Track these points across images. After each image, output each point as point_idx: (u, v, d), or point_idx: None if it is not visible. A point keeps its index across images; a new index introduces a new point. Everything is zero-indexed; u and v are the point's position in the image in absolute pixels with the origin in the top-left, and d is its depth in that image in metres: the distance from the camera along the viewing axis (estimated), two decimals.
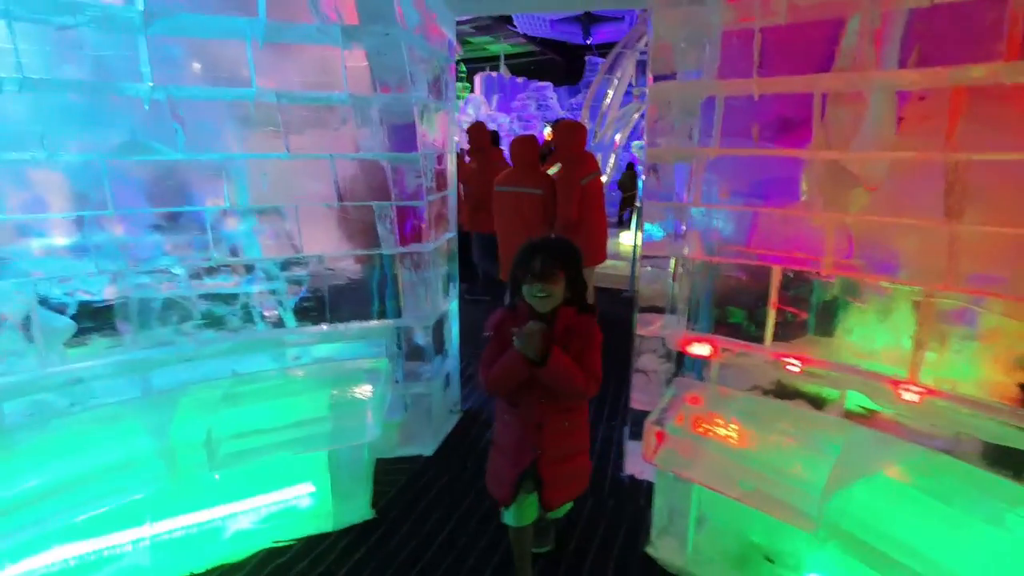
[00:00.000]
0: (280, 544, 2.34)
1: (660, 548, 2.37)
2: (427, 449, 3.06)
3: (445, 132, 3.05)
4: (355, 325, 2.81)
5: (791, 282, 2.24)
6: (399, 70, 2.52)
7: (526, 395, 1.81)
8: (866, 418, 2.11)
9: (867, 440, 2.03)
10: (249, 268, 2.62)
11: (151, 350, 2.38)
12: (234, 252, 2.54)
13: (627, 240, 7.89)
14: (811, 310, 2.25)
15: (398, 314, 2.89)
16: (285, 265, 2.67)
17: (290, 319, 2.71)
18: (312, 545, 2.35)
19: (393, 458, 2.96)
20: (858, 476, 1.87)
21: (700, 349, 2.51)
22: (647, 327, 2.68)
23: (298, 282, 2.72)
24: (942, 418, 1.90)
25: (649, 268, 2.64)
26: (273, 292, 2.68)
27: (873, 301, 2.08)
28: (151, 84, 2.13)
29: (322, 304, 2.75)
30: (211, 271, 2.53)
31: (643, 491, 2.71)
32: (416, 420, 3.08)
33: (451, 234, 3.27)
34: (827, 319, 2.21)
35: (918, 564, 1.62)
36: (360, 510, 2.53)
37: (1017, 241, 1.67)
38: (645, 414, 2.34)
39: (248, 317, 2.63)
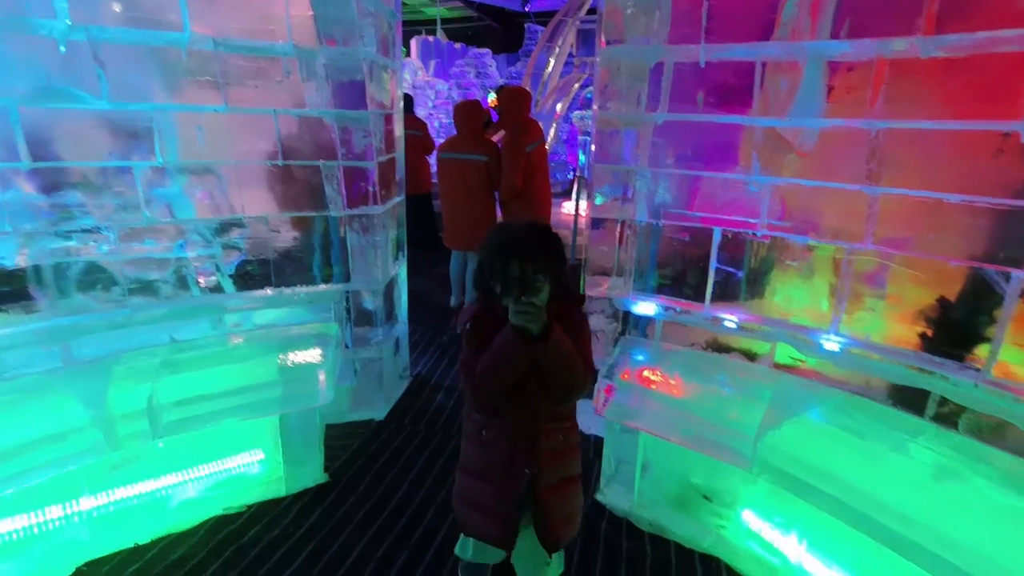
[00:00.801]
0: (231, 511, 2.30)
1: (608, 495, 2.52)
2: (379, 413, 3.06)
3: (394, 92, 2.97)
4: (301, 290, 2.73)
5: (729, 243, 2.39)
6: (347, 23, 2.42)
7: (515, 401, 1.44)
8: (793, 368, 2.31)
9: (794, 387, 2.23)
10: (182, 231, 2.48)
11: (72, 317, 2.22)
12: (165, 213, 2.39)
13: (569, 209, 8.02)
14: (746, 270, 2.41)
15: (346, 278, 2.84)
16: (223, 228, 2.54)
17: (228, 284, 2.59)
18: (265, 510, 2.32)
19: (344, 423, 2.95)
20: (786, 418, 2.06)
21: (645, 309, 2.64)
22: (595, 288, 2.78)
23: (236, 246, 2.60)
24: (857, 364, 2.12)
25: (597, 231, 2.72)
26: (211, 256, 2.55)
27: (801, 261, 2.26)
28: (68, 22, 1.94)
29: (266, 268, 2.65)
30: (140, 233, 2.37)
31: (592, 445, 2.85)
32: (367, 385, 3.06)
33: (400, 197, 3.22)
34: (760, 278, 2.38)
35: (837, 490, 1.83)
36: (313, 474, 2.52)
37: (924, 205, 1.86)
38: (594, 373, 2.45)
39: (183, 283, 2.50)
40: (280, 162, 2.50)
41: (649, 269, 2.65)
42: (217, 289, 2.57)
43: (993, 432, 1.79)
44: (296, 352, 2.48)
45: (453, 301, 4.90)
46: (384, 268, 2.96)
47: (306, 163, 2.57)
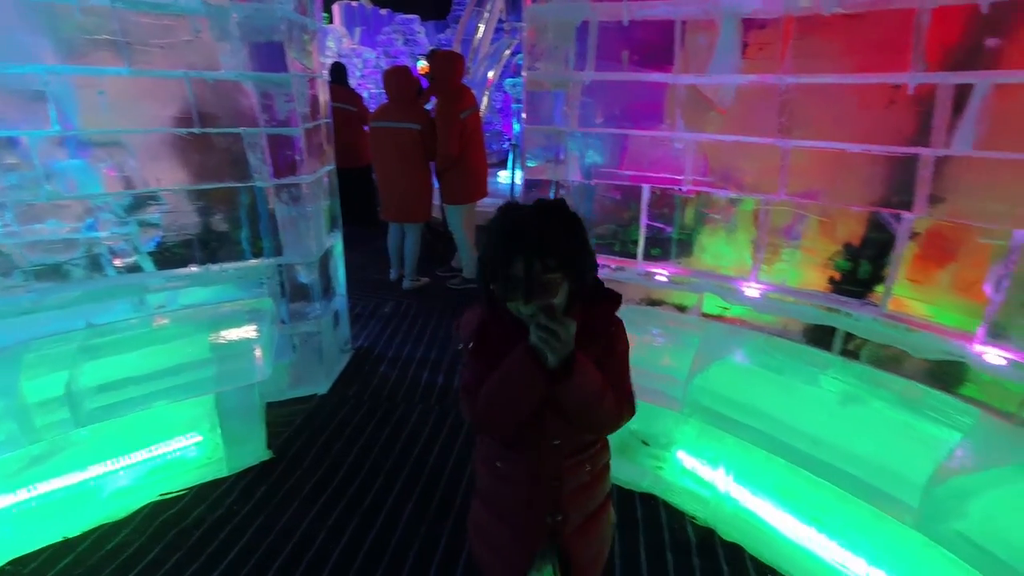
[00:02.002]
0: (169, 495, 2.22)
1: None
2: (321, 387, 3.02)
3: (316, 55, 2.84)
4: (230, 265, 2.62)
5: (658, 200, 2.48)
6: None
7: (532, 431, 1.17)
8: (720, 316, 2.45)
9: (720, 333, 2.38)
10: (90, 208, 2.31)
11: None
12: (70, 189, 2.21)
13: (506, 178, 8.02)
14: (675, 226, 2.52)
15: (278, 252, 2.74)
16: (137, 203, 2.39)
17: (148, 263, 2.45)
18: (206, 491, 2.26)
19: (286, 400, 2.89)
20: (712, 361, 2.20)
21: None
22: None
23: (154, 223, 2.45)
24: (774, 308, 2.28)
25: (531, 194, 2.75)
26: (126, 235, 2.39)
27: (723, 215, 2.38)
28: None
29: (189, 245, 2.52)
30: (41, 212, 2.19)
31: None
32: (307, 360, 3.00)
33: (331, 166, 3.12)
34: (688, 233, 2.50)
35: (758, 422, 1.99)
36: (256, 452, 2.47)
37: (829, 156, 2.01)
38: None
39: (96, 264, 2.34)
40: (196, 130, 2.36)
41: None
42: (136, 269, 2.43)
43: (890, 360, 1.99)
44: (228, 329, 2.39)
45: (392, 275, 4.84)
46: (318, 240, 2.88)
47: (225, 131, 2.43)
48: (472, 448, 2.56)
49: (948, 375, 1.84)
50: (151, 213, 2.43)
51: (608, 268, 2.66)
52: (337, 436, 2.65)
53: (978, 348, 1.76)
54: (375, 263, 5.07)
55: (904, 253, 1.90)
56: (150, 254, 2.45)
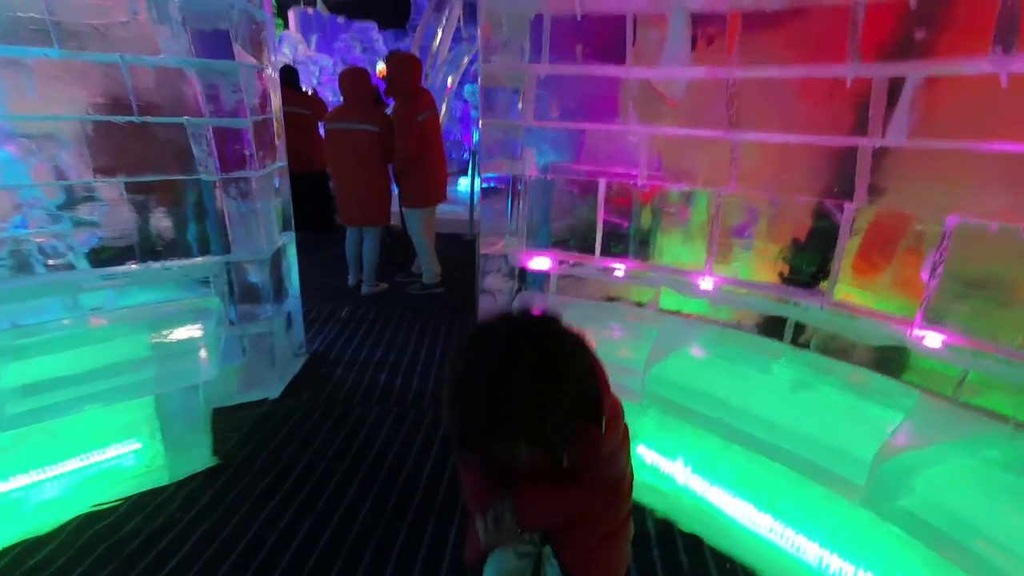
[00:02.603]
0: (102, 506, 2.07)
1: None
2: (273, 392, 2.90)
3: (266, 48, 2.76)
4: (175, 263, 2.50)
5: (614, 195, 2.51)
6: None
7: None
8: (676, 312, 2.48)
9: (677, 325, 2.41)
10: (18, 204, 2.16)
11: None
12: None
13: (465, 186, 8.00)
14: (631, 221, 2.55)
15: (226, 250, 2.63)
16: (72, 198, 2.25)
17: (83, 262, 2.31)
18: (145, 500, 2.12)
19: (234, 405, 2.75)
20: (669, 352, 2.22)
21: (540, 263, 2.72)
22: (491, 247, 2.80)
23: (90, 222, 2.31)
24: (728, 301, 2.33)
25: (489, 189, 2.74)
26: (60, 233, 2.25)
27: (678, 209, 2.43)
28: None
29: (129, 240, 2.39)
30: None
31: None
32: (257, 364, 2.88)
33: (282, 163, 3.02)
34: (644, 228, 2.53)
35: (714, 409, 2.01)
36: (200, 459, 2.34)
37: (776, 148, 2.07)
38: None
39: (24, 265, 2.18)
40: (135, 118, 2.24)
41: (541, 225, 2.72)
42: (69, 267, 2.28)
43: (837, 348, 2.05)
44: (171, 329, 2.27)
45: (351, 280, 4.73)
46: (269, 238, 2.78)
47: (166, 120, 2.32)
48: (432, 447, 2.52)
49: (891, 360, 1.91)
50: (86, 210, 2.29)
51: (566, 264, 2.66)
52: (289, 440, 2.54)
53: (917, 333, 1.82)
54: (333, 270, 4.94)
55: (848, 244, 1.96)
56: (85, 254, 2.31)
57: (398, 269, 5.05)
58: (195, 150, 2.42)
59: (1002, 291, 1.62)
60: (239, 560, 1.86)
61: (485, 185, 2.70)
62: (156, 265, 2.45)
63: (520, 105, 2.47)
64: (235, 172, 2.55)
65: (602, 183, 2.47)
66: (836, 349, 2.06)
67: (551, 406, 0.94)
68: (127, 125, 2.24)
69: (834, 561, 1.85)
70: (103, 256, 2.35)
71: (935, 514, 1.52)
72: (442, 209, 4.79)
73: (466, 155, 10.11)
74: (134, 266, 2.41)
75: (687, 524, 2.12)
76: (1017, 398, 1.61)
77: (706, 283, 2.40)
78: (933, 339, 1.78)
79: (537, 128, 2.49)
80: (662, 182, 2.39)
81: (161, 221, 2.46)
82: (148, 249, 2.43)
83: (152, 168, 2.36)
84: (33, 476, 2.02)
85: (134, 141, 2.29)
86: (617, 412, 1.21)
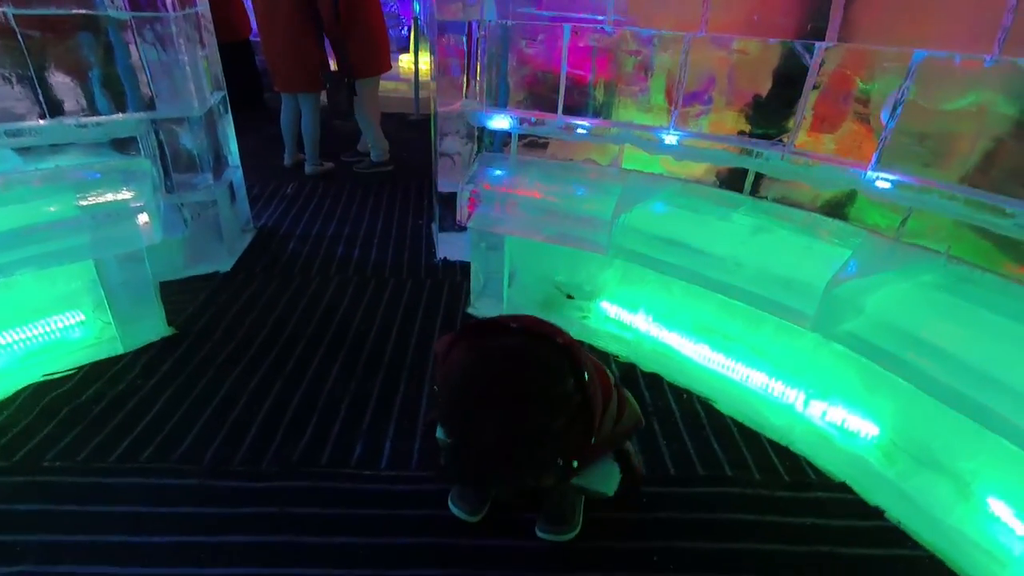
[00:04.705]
0: (55, 375, 1.98)
1: (479, 308, 2.62)
2: (224, 265, 2.76)
3: None
4: (89, 120, 2.20)
5: (578, 43, 2.36)
6: None
7: None
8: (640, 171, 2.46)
9: (641, 181, 2.40)
10: None
11: None
12: None
13: (409, 62, 7.40)
14: (594, 73, 2.43)
15: (151, 106, 2.34)
16: None
17: None
18: (101, 369, 2.04)
19: (183, 279, 2.62)
20: (634, 204, 2.24)
21: (500, 123, 2.59)
22: (448, 106, 2.64)
23: None
24: (691, 155, 2.32)
25: (443, 38, 2.52)
26: None
27: (644, 57, 2.32)
28: None
29: (26, 91, 2.06)
30: None
31: (458, 269, 2.89)
32: (203, 237, 2.71)
33: (204, 7, 2.64)
34: (608, 81, 2.43)
35: (679, 256, 2.07)
36: (155, 329, 2.24)
37: None
38: (453, 197, 2.40)
39: None
40: None
41: (501, 80, 2.56)
42: None
43: (793, 198, 2.12)
44: (101, 191, 2.05)
45: (287, 160, 4.41)
46: (199, 94, 2.48)
47: None
48: (398, 311, 2.51)
49: (843, 206, 1.99)
50: None
51: (527, 122, 2.55)
52: (248, 309, 2.46)
53: (870, 175, 1.89)
54: (269, 150, 4.57)
55: (812, 91, 1.95)
56: None
57: (343, 146, 4.74)
58: None
59: (959, 126, 1.68)
60: (213, 419, 1.85)
61: (440, 35, 2.47)
62: (69, 122, 2.16)
63: None
64: (148, 11, 2.21)
65: (567, 28, 2.31)
66: (793, 200, 2.13)
67: (551, 441, 1.10)
68: None
69: (778, 386, 2.05)
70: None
71: (877, 332, 1.67)
72: (385, 86, 4.42)
73: (405, 30, 9.25)
74: (42, 122, 2.11)
75: (648, 365, 2.26)
76: (953, 231, 1.73)
77: (671, 138, 2.37)
78: (884, 181, 1.86)
79: None
80: (630, 26, 2.25)
81: (62, 68, 2.12)
82: (54, 103, 2.12)
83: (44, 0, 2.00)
84: None
85: None
86: (610, 400, 1.30)
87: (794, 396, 2.01)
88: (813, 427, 1.94)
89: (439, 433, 1.34)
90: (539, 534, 1.49)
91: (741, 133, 2.24)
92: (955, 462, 1.65)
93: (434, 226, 3.27)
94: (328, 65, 4.00)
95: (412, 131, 5.50)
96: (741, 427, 1.96)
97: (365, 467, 1.69)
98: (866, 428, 1.85)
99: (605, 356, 2.32)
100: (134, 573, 1.35)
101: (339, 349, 2.24)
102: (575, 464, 1.18)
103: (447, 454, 1.22)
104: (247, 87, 5.59)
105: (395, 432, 1.83)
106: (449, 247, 3.03)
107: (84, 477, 1.60)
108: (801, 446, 1.89)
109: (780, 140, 2.12)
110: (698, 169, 2.34)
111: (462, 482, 1.29)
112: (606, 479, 1.35)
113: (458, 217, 2.39)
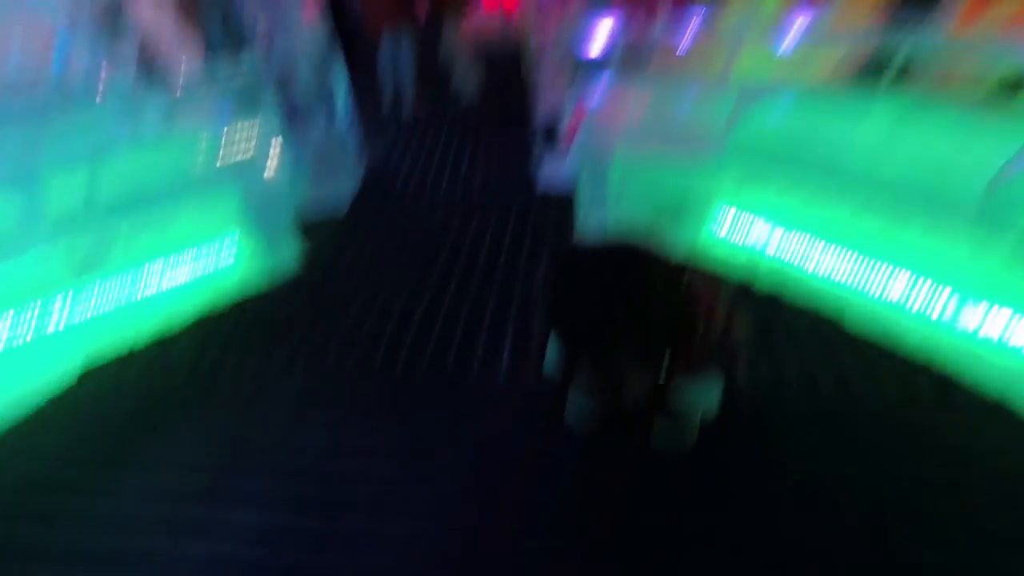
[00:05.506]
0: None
1: (585, 232, 2.58)
2: (342, 201, 2.93)
3: None
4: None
5: None
6: None
7: None
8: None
9: (756, 86, 2.17)
10: None
11: None
12: None
13: None
14: None
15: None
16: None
17: None
18: (249, 296, 2.28)
19: (309, 216, 2.81)
20: (753, 107, 2.04)
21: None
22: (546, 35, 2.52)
23: None
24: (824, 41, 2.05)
25: None
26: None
27: None
28: None
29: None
30: None
31: (562, 198, 2.83)
32: (322, 177, 2.88)
33: None
34: None
35: (804, 152, 1.88)
36: (291, 260, 2.46)
37: None
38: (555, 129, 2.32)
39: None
40: None
41: None
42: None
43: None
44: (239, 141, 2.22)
45: (388, 100, 4.48)
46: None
47: None
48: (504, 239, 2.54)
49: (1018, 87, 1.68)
50: None
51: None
52: (367, 241, 2.61)
53: None
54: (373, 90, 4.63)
55: None
56: None
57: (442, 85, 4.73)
58: None
59: None
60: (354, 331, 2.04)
61: None
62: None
63: None
64: None
65: None
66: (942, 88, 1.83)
67: (659, 321, 1.21)
68: None
69: (922, 297, 1.82)
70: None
71: None
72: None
73: None
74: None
75: (768, 280, 2.12)
76: None
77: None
78: None
79: None
80: None
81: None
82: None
83: None
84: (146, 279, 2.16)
85: None
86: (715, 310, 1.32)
87: (941, 308, 1.79)
88: (963, 340, 1.73)
89: (550, 349, 1.37)
90: (655, 447, 1.45)
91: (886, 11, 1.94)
92: None
93: (538, 156, 3.22)
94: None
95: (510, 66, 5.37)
96: (870, 344, 1.79)
97: (485, 375, 1.80)
98: None
99: (721, 272, 2.20)
100: (291, 465, 1.53)
101: (452, 273, 2.34)
102: (680, 361, 1.25)
103: (565, 339, 1.30)
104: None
105: (512, 345, 1.91)
106: (553, 176, 2.99)
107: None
108: (945, 361, 1.70)
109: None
110: (821, 74, 2.08)
111: (579, 367, 1.33)
112: (708, 394, 1.38)
113: (561, 143, 2.34)
